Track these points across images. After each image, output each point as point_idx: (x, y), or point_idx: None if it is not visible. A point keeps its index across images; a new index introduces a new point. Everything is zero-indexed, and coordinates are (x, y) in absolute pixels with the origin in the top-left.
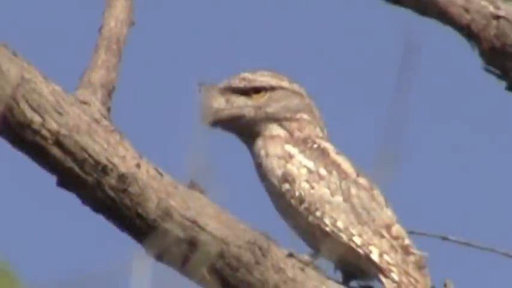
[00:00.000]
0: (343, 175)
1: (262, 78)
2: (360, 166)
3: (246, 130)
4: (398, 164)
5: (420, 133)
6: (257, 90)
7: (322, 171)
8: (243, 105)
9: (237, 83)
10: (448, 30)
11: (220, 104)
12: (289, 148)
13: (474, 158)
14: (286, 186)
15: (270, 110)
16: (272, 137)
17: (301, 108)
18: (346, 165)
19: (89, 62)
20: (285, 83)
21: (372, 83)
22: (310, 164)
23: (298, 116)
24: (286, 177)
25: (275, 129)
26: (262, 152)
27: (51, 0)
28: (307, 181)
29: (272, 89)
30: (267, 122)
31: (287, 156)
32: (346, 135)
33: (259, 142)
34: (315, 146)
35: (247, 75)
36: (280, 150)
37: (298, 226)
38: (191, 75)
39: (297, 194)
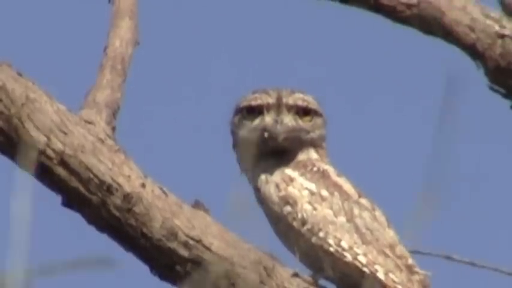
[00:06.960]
0: (345, 196)
1: (313, 102)
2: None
3: (284, 151)
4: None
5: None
6: (307, 112)
7: (324, 193)
8: (304, 127)
9: (299, 102)
10: (454, 49)
11: (292, 122)
12: (289, 172)
13: (478, 176)
14: (288, 208)
15: (314, 135)
16: (297, 162)
17: (326, 137)
18: (347, 186)
19: (94, 82)
20: (322, 111)
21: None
22: (312, 186)
23: (324, 144)
24: (288, 200)
25: (311, 153)
26: (263, 177)
27: (57, 21)
28: (309, 203)
29: (316, 114)
30: (309, 147)
31: (287, 179)
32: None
33: (262, 165)
34: (315, 168)
35: (302, 95)
36: (279, 175)
37: (299, 248)
38: (195, 95)
39: (299, 216)
